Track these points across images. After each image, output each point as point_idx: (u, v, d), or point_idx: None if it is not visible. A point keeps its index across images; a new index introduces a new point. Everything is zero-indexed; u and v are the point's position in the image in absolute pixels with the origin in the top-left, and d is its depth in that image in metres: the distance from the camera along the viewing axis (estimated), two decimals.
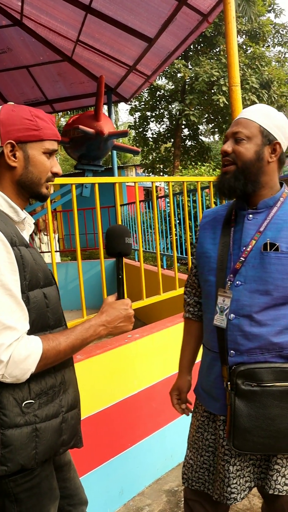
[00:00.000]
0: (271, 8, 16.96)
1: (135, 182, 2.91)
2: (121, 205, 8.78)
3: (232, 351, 1.45)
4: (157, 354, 2.70)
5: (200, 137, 18.08)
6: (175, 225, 6.17)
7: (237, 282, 1.44)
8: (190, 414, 1.75)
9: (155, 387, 2.65)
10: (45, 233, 9.34)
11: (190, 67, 15.62)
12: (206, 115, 16.12)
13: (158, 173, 18.26)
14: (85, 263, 7.47)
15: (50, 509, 1.31)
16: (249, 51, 15.39)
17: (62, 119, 20.01)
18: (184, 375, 1.76)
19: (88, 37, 5.84)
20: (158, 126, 18.15)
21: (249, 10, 14.55)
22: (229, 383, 1.43)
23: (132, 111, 17.50)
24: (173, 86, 16.48)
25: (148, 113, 17.29)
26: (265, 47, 16.44)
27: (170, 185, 3.24)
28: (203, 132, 19.47)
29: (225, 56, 13.75)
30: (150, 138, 17.73)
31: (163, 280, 3.15)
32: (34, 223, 1.42)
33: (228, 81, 3.19)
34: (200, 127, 17.84)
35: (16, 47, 6.82)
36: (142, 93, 16.28)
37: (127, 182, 14.83)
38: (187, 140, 17.84)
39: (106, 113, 6.54)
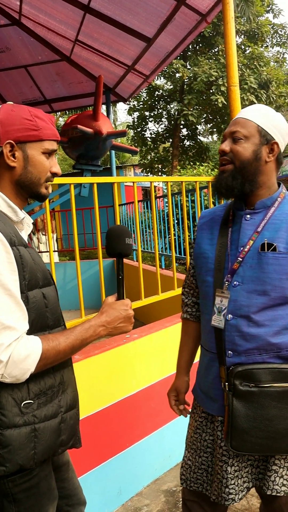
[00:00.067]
0: (269, 8, 17.00)
1: (133, 182, 2.91)
2: (119, 205, 8.78)
3: (230, 352, 1.44)
4: (155, 354, 2.70)
5: (198, 137, 18.12)
6: (174, 225, 6.17)
7: (235, 283, 1.44)
8: (188, 415, 1.75)
9: (154, 387, 2.65)
10: (43, 233, 9.34)
11: (188, 67, 15.64)
12: (205, 115, 16.16)
13: (156, 173, 18.26)
14: (84, 263, 7.46)
15: (49, 509, 1.31)
16: (247, 51, 15.42)
17: (60, 118, 19.99)
18: (182, 376, 1.76)
19: (87, 36, 5.83)
20: (157, 126, 18.17)
21: (247, 10, 14.58)
22: (227, 383, 1.42)
23: (130, 111, 17.52)
24: (171, 86, 16.50)
25: (147, 113, 17.30)
26: (263, 47, 16.48)
27: (168, 185, 3.23)
28: (201, 132, 19.52)
29: (224, 56, 13.77)
30: (148, 138, 17.75)
31: (161, 280, 3.15)
32: (32, 223, 1.42)
33: (226, 81, 3.20)
34: (199, 127, 17.88)
35: (14, 46, 6.81)
36: (140, 93, 16.29)
37: (126, 182, 14.84)
38: (186, 140, 17.86)
39: (105, 113, 6.54)
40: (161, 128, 17.94)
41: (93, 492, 2.28)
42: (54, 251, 9.49)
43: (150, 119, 17.48)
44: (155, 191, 3.23)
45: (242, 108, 1.87)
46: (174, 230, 6.08)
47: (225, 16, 3.21)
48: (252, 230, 1.45)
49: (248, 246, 1.43)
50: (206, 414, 1.59)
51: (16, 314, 1.14)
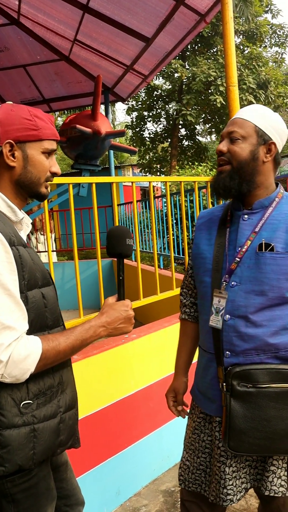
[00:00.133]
0: (268, 8, 17.01)
1: (132, 182, 2.91)
2: (118, 205, 8.78)
3: (227, 352, 1.44)
4: (154, 354, 2.70)
5: (197, 137, 18.12)
6: (172, 225, 6.17)
7: (233, 283, 1.43)
8: (187, 416, 1.75)
9: (152, 387, 2.65)
10: (42, 233, 9.33)
11: (187, 67, 15.64)
12: (203, 115, 16.17)
13: (155, 173, 18.27)
14: (82, 262, 7.45)
15: (48, 509, 1.31)
16: (246, 52, 15.43)
17: (59, 118, 19.99)
18: (180, 376, 1.75)
19: (86, 36, 5.83)
20: (155, 126, 18.21)
21: (246, 11, 14.59)
22: (224, 384, 1.42)
23: (129, 111, 17.52)
24: (170, 86, 16.50)
25: (145, 113, 17.30)
26: (262, 47, 16.49)
27: (167, 185, 3.23)
28: (200, 132, 19.52)
29: (222, 56, 13.77)
30: (147, 138, 17.75)
31: (160, 280, 3.15)
32: (31, 223, 1.41)
33: (225, 81, 3.20)
34: (197, 127, 17.88)
35: (13, 46, 6.81)
36: (139, 92, 16.29)
37: (124, 182, 14.84)
38: (184, 140, 17.87)
39: (103, 113, 6.54)
40: (160, 128, 17.97)
41: (92, 492, 2.28)
42: (53, 251, 9.48)
43: (149, 119, 17.48)
44: (153, 191, 3.22)
45: (241, 108, 1.87)
46: (173, 230, 6.08)
47: (224, 16, 3.21)
48: (250, 230, 1.45)
49: (246, 246, 1.43)
50: (204, 414, 1.59)
51: (15, 314, 1.14)
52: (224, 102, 13.70)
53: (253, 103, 13.11)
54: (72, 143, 5.22)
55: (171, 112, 17.01)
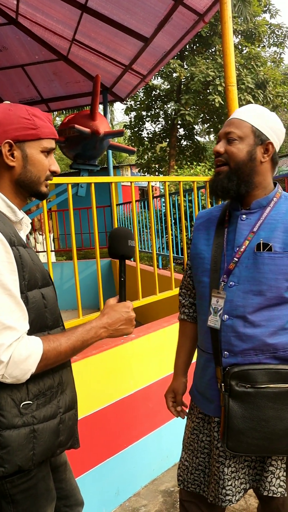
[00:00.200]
0: (266, 8, 17.01)
1: (131, 182, 2.91)
2: (116, 205, 8.77)
3: (226, 352, 1.44)
4: (153, 354, 2.70)
5: (195, 137, 18.12)
6: (171, 224, 6.16)
7: (231, 283, 1.43)
8: (186, 416, 1.74)
9: (151, 387, 2.65)
10: (40, 233, 9.32)
11: (185, 67, 15.64)
12: (202, 115, 16.16)
13: (153, 173, 18.27)
14: (81, 262, 7.45)
15: (47, 510, 1.31)
16: (244, 51, 15.44)
17: (57, 118, 19.97)
18: (179, 377, 1.75)
19: (84, 36, 5.82)
20: (154, 125, 18.21)
21: (244, 10, 14.59)
22: (223, 384, 1.42)
23: (127, 111, 17.51)
24: (168, 86, 16.50)
25: (144, 113, 17.29)
26: (260, 47, 16.50)
27: (166, 184, 3.23)
28: (198, 132, 19.50)
29: (221, 56, 13.78)
30: (145, 138, 17.74)
31: (159, 280, 3.14)
32: (30, 223, 1.41)
33: (224, 81, 3.20)
34: (196, 127, 17.88)
35: (11, 46, 6.79)
36: (137, 92, 16.28)
37: (122, 182, 14.83)
38: (183, 140, 17.86)
39: (102, 113, 6.53)
40: (158, 128, 17.95)
41: (91, 493, 2.28)
42: (51, 251, 9.47)
43: (147, 119, 17.47)
44: (152, 191, 3.22)
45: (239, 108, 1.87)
46: (172, 230, 6.08)
47: (222, 16, 3.21)
48: (248, 230, 1.45)
49: (244, 246, 1.43)
50: (203, 415, 1.59)
51: (16, 314, 1.14)
52: (222, 102, 13.70)
53: (252, 103, 13.12)
54: (71, 143, 5.21)
55: (169, 112, 17.00)
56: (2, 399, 1.16)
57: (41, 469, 1.27)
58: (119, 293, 1.39)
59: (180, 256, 5.50)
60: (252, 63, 14.49)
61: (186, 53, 16.02)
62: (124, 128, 17.84)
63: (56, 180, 2.39)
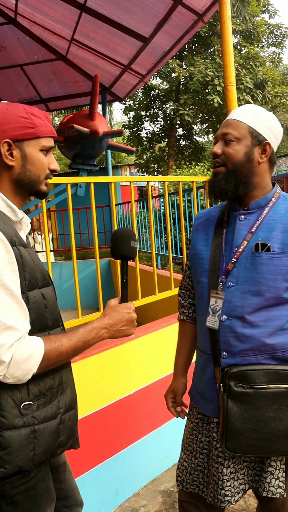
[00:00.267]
0: (265, 8, 17.03)
1: (130, 182, 2.90)
2: (115, 205, 8.76)
3: (224, 353, 1.44)
4: (152, 354, 2.70)
5: (194, 136, 18.13)
6: (170, 224, 6.16)
7: (229, 283, 1.43)
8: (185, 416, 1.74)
9: (151, 387, 2.65)
10: (39, 233, 9.31)
11: (184, 66, 15.65)
12: (201, 115, 16.16)
13: (152, 173, 18.27)
14: (80, 262, 7.45)
15: (47, 511, 1.31)
16: (243, 51, 15.45)
17: (56, 118, 19.95)
18: (179, 377, 1.75)
19: (83, 36, 5.82)
20: (153, 125, 18.20)
21: (243, 11, 14.59)
22: (221, 385, 1.42)
23: (126, 111, 17.50)
24: (167, 86, 16.50)
25: (143, 113, 17.29)
26: (259, 47, 16.51)
27: (165, 184, 3.23)
28: (197, 132, 19.51)
29: (220, 56, 13.79)
30: (144, 138, 17.74)
31: (158, 280, 3.14)
32: (29, 223, 1.41)
33: (223, 81, 3.20)
34: (195, 126, 17.89)
35: (10, 45, 6.78)
36: (136, 92, 16.28)
37: (121, 182, 14.83)
38: (182, 140, 17.87)
39: (101, 113, 6.53)
40: (157, 127, 17.94)
41: (90, 493, 2.28)
42: (50, 250, 9.46)
43: (146, 119, 17.47)
44: (151, 191, 3.22)
45: None
46: (171, 230, 6.08)
47: (221, 16, 3.21)
48: (246, 231, 1.45)
49: (242, 247, 1.43)
50: (202, 415, 1.59)
51: (17, 314, 1.14)
52: (221, 102, 13.70)
53: (251, 103, 13.12)
54: (70, 143, 5.20)
55: (168, 112, 16.99)
56: (3, 400, 1.15)
57: (41, 469, 1.27)
58: (121, 294, 1.38)
59: (179, 256, 5.50)
60: (251, 63, 14.50)
61: (185, 53, 16.03)
62: (123, 128, 17.83)
63: (55, 180, 2.39)
